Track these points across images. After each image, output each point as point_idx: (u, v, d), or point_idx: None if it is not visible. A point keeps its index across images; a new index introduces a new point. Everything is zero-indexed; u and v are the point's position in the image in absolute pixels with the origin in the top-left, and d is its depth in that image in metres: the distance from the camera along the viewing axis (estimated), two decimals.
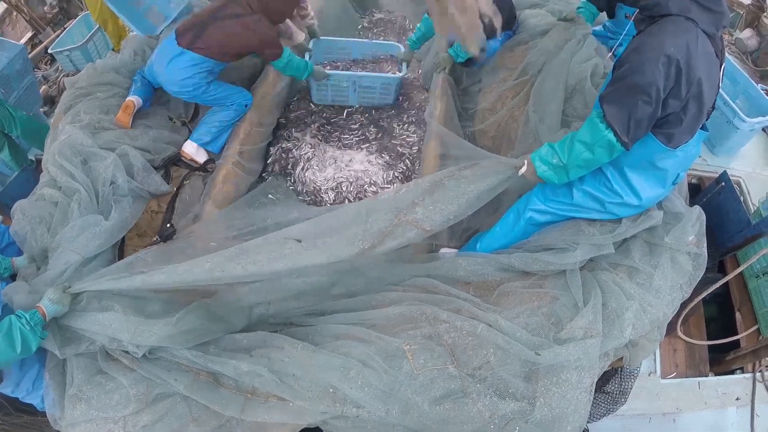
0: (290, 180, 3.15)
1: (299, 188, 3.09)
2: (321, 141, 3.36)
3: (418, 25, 3.37)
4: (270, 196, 2.88)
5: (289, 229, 1.88)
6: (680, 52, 1.56)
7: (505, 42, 3.19)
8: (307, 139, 3.36)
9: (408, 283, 2.05)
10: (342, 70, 3.60)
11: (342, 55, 3.77)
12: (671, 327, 2.37)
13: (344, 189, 3.04)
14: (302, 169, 3.16)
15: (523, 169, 1.94)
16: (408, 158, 3.22)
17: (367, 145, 3.32)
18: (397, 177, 3.13)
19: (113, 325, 1.76)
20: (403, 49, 3.57)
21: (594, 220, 2.04)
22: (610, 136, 1.70)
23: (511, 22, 3.14)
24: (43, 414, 2.15)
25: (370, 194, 3.02)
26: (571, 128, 2.44)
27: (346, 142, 3.35)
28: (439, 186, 1.94)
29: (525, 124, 2.74)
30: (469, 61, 3.30)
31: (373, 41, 3.90)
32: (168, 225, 2.52)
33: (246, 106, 3.09)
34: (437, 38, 3.47)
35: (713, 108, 1.79)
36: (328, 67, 3.58)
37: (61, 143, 2.52)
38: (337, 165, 3.17)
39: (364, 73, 3.48)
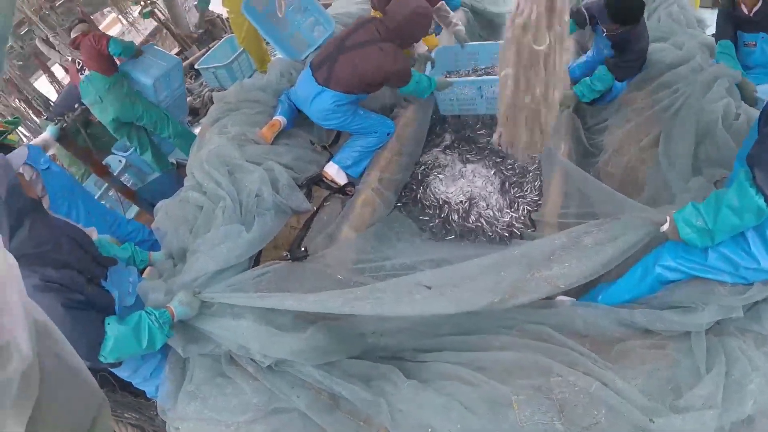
0: (420, 196, 3.10)
1: (428, 201, 3.03)
2: (451, 153, 3.31)
3: None
4: (395, 229, 2.89)
5: (419, 275, 1.90)
6: None
7: (632, 80, 3.04)
8: (436, 153, 3.33)
9: (520, 328, 1.99)
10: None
11: (469, 61, 3.55)
12: None
13: (467, 208, 2.95)
14: (431, 180, 3.13)
15: (665, 227, 1.83)
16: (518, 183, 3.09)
17: (490, 164, 3.20)
18: (512, 207, 2.99)
19: (245, 333, 1.82)
20: None
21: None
22: (761, 201, 1.58)
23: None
24: (147, 398, 2.22)
25: (486, 224, 2.91)
26: (703, 176, 2.28)
27: (472, 158, 3.25)
28: (577, 243, 1.88)
29: (654, 168, 2.59)
30: (594, 100, 3.18)
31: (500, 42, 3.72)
32: (302, 249, 2.55)
33: (389, 134, 3.13)
34: None
35: None
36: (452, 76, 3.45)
37: (210, 152, 2.67)
38: (465, 179, 3.10)
39: (491, 76, 3.20)
